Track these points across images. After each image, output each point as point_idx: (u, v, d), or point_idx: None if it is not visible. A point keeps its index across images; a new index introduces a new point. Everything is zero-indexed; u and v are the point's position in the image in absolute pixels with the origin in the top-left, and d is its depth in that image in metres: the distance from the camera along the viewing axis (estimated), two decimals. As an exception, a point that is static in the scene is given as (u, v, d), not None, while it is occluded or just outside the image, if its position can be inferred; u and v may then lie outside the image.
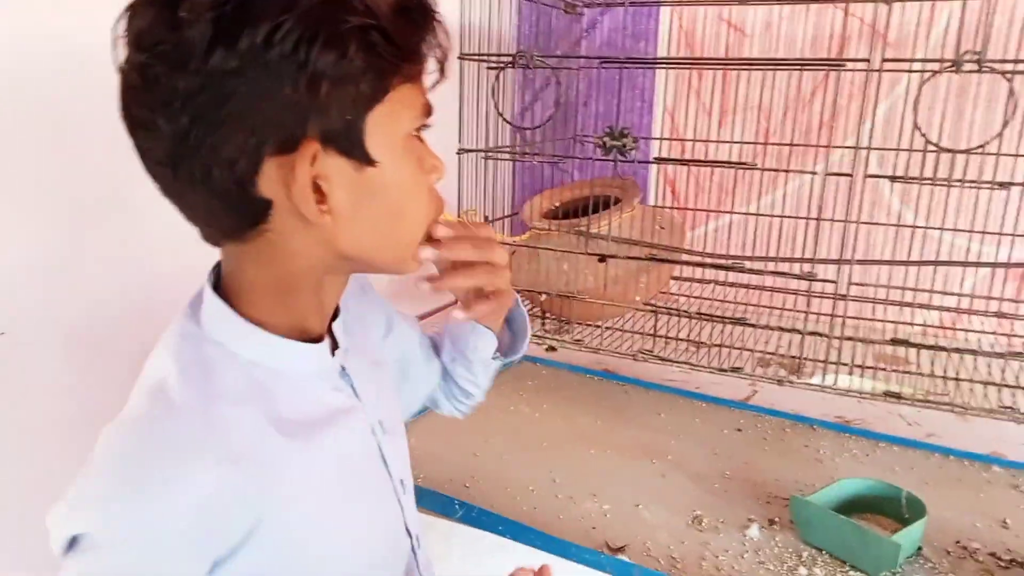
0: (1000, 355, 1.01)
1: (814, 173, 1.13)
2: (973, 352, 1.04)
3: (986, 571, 0.90)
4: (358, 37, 0.45)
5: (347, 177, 0.48)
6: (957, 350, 1.04)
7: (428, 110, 0.51)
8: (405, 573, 0.62)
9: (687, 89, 1.62)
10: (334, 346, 0.58)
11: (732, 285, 1.42)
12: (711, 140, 1.52)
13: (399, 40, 0.46)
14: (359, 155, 0.48)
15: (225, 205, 0.47)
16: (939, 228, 1.13)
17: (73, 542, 0.44)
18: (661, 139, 1.67)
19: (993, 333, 1.23)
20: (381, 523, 0.60)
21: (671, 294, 1.45)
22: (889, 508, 0.99)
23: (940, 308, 1.25)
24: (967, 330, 1.25)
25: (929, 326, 1.30)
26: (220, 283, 0.53)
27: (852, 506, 0.99)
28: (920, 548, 0.94)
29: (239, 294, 0.52)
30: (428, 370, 0.76)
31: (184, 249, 0.91)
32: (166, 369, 0.49)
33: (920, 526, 0.92)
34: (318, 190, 0.47)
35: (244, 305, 0.52)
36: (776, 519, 1.00)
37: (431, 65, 0.51)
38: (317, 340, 0.55)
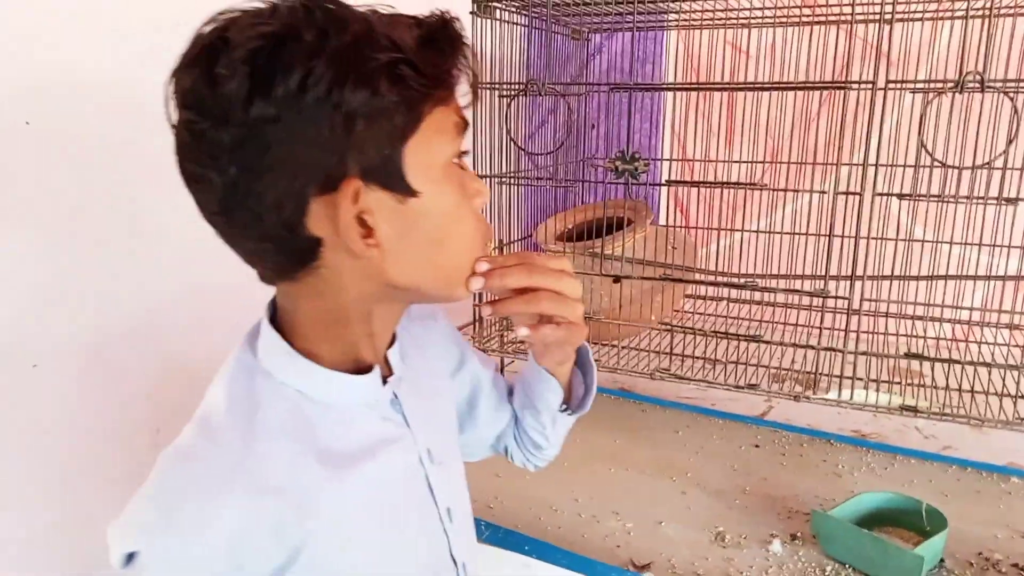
0: (1013, 367, 1.03)
1: (824, 192, 1.15)
2: (987, 364, 1.05)
3: (1009, 582, 0.91)
4: (387, 72, 0.47)
5: (390, 210, 0.50)
6: (971, 362, 1.05)
7: (463, 127, 0.53)
8: None
9: (694, 111, 1.65)
10: (390, 372, 0.60)
11: (746, 302, 1.44)
12: (718, 160, 1.55)
13: (427, 70, 0.49)
14: (400, 187, 0.50)
15: (276, 247, 0.50)
16: (948, 242, 1.15)
17: (130, 558, 0.47)
18: (670, 160, 1.69)
19: (1006, 345, 1.25)
20: (423, 552, 0.61)
21: (686, 312, 1.46)
22: (910, 521, 0.99)
23: (952, 321, 1.27)
24: (980, 342, 1.26)
25: (943, 339, 1.31)
26: (276, 315, 0.56)
27: (873, 519, 1.00)
28: (942, 560, 0.95)
29: (293, 327, 0.55)
30: (497, 414, 0.77)
31: (195, 271, 0.93)
32: (217, 401, 0.52)
33: (942, 538, 0.93)
34: (364, 224, 0.49)
35: (297, 338, 0.54)
36: (798, 534, 1.01)
37: (463, 87, 0.53)
38: (369, 369, 0.57)
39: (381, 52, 0.47)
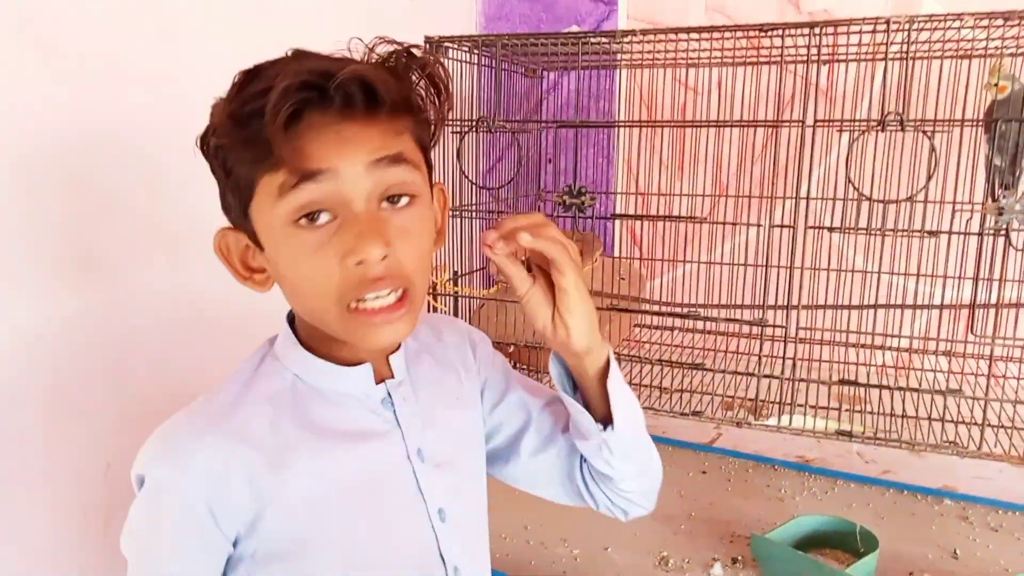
0: (940, 392, 1.07)
1: (759, 225, 1.19)
2: (915, 389, 1.09)
3: (937, 600, 0.94)
4: (214, 154, 0.59)
5: (259, 254, 0.61)
6: (900, 388, 1.10)
7: (298, 183, 0.55)
8: None
9: (646, 145, 1.70)
10: (392, 375, 0.66)
11: (691, 331, 1.48)
12: (668, 194, 1.60)
13: (237, 148, 0.57)
14: (254, 240, 0.60)
15: None
16: (878, 272, 1.20)
17: (142, 482, 0.58)
18: (621, 193, 1.74)
19: (943, 371, 1.29)
20: (402, 542, 0.65)
21: (636, 341, 1.50)
22: (845, 542, 1.03)
23: (891, 348, 1.32)
24: (919, 369, 1.31)
25: (884, 366, 1.36)
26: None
27: (810, 542, 1.03)
28: (875, 580, 0.98)
29: (300, 326, 0.65)
30: (545, 443, 0.75)
31: (157, 307, 0.97)
32: (230, 374, 0.63)
33: (873, 559, 0.96)
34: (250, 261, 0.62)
35: (300, 331, 0.64)
36: (739, 557, 1.04)
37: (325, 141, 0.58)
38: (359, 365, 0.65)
39: (211, 135, 0.58)
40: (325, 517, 0.60)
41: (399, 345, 0.67)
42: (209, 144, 0.58)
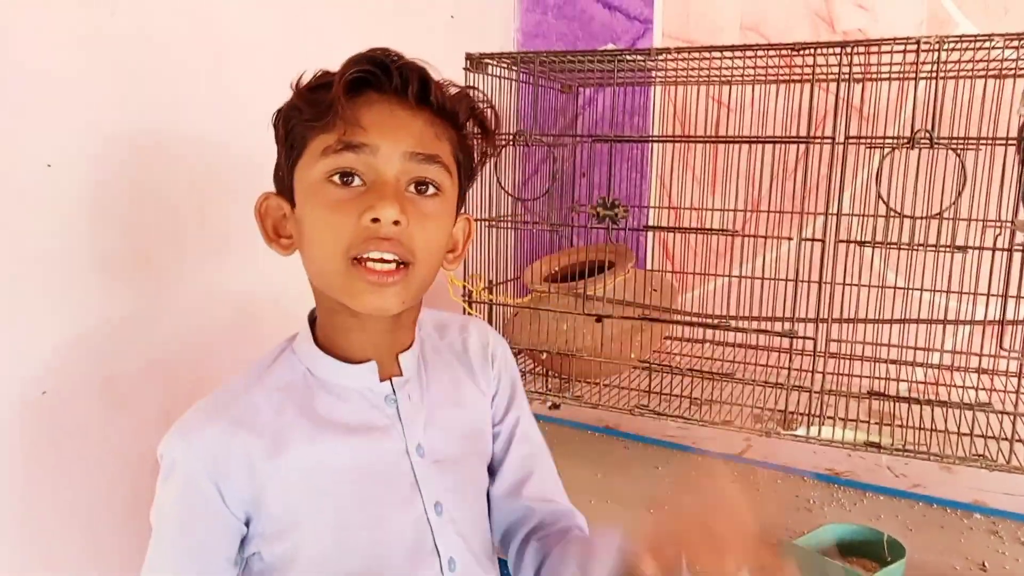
0: (969, 406, 1.08)
1: (790, 239, 1.22)
2: (945, 403, 1.10)
3: (964, 611, 0.95)
4: (283, 113, 0.67)
5: (291, 216, 0.68)
6: (929, 402, 1.11)
7: (347, 147, 0.63)
8: None
9: (680, 161, 1.73)
10: (400, 373, 0.72)
11: (723, 344, 1.50)
12: (698, 208, 1.62)
13: (307, 108, 0.64)
14: (290, 199, 0.67)
15: None
16: (906, 288, 1.21)
17: (161, 459, 0.66)
18: (655, 207, 1.77)
19: (972, 387, 1.30)
20: (395, 531, 0.68)
21: (667, 352, 1.52)
22: (872, 551, 1.04)
23: (915, 364, 1.33)
24: (948, 384, 1.32)
25: (914, 381, 1.37)
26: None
27: (837, 550, 1.05)
28: (901, 589, 0.99)
29: (319, 325, 0.71)
30: (501, 482, 0.83)
31: (207, 309, 1.04)
32: (252, 362, 0.71)
33: (900, 566, 0.97)
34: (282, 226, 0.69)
35: (318, 331, 0.71)
36: (766, 564, 1.06)
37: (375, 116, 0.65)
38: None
39: (286, 106, 0.67)
40: (319, 502, 0.66)
41: (410, 343, 0.73)
42: (281, 110, 0.67)
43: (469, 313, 1.39)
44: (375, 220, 0.61)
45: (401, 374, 0.71)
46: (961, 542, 1.11)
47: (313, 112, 0.63)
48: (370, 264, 0.62)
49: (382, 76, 0.63)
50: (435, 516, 0.70)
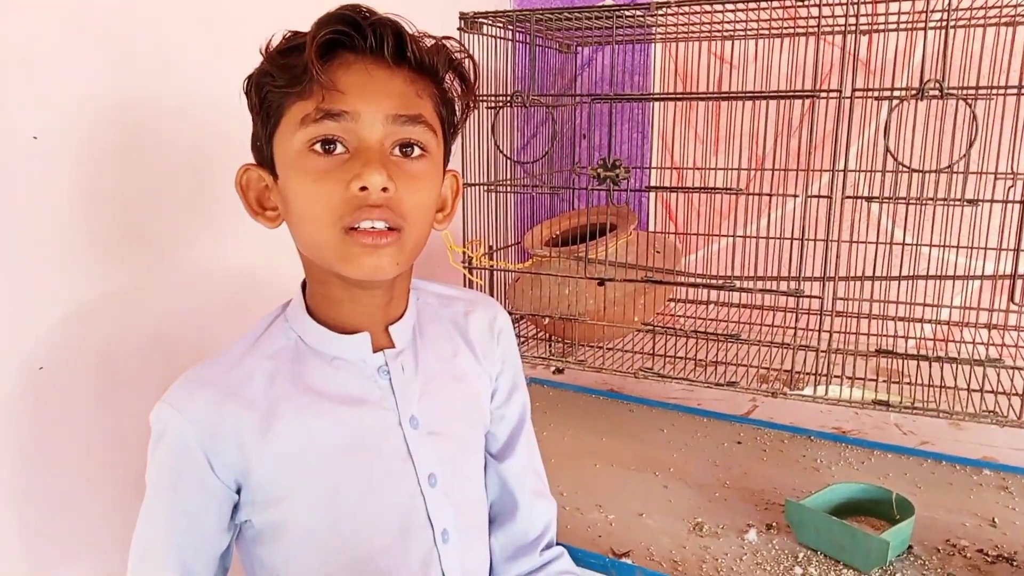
0: (979, 362, 1.07)
1: (795, 196, 1.19)
2: (954, 360, 1.09)
3: (973, 567, 0.94)
4: (255, 80, 0.65)
5: (274, 187, 0.66)
6: (938, 359, 1.09)
7: (326, 115, 0.61)
8: (423, 564, 0.68)
9: (682, 119, 1.70)
10: (392, 345, 0.71)
11: (727, 305, 1.49)
12: (701, 167, 1.60)
13: (280, 74, 0.61)
14: (271, 170, 0.65)
15: None
16: (916, 244, 1.19)
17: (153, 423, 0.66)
18: (656, 168, 1.74)
19: (982, 343, 1.28)
20: (390, 505, 0.68)
21: (670, 315, 1.51)
22: (881, 510, 1.03)
23: (924, 320, 1.31)
24: (958, 341, 1.30)
25: (923, 338, 1.36)
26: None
27: (845, 509, 1.04)
28: (910, 546, 0.98)
29: (310, 294, 0.70)
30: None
31: (203, 284, 1.02)
32: (245, 331, 0.71)
33: (909, 525, 0.97)
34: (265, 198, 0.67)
35: (309, 299, 0.71)
36: (773, 524, 1.05)
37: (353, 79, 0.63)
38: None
39: (255, 71, 0.64)
40: (310, 472, 0.65)
41: (402, 315, 0.72)
42: (252, 77, 0.65)
43: (470, 280, 1.37)
44: (363, 189, 0.60)
45: (393, 346, 0.71)
46: (970, 499, 1.11)
47: (287, 78, 0.60)
48: (362, 230, 0.61)
49: (355, 36, 0.60)
50: (428, 487, 0.69)
